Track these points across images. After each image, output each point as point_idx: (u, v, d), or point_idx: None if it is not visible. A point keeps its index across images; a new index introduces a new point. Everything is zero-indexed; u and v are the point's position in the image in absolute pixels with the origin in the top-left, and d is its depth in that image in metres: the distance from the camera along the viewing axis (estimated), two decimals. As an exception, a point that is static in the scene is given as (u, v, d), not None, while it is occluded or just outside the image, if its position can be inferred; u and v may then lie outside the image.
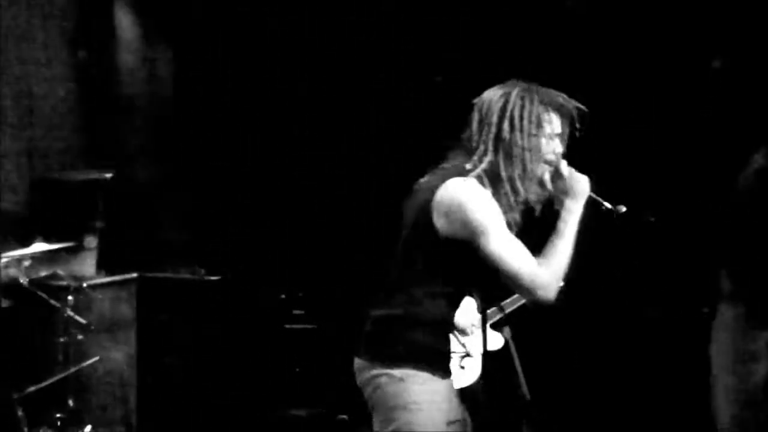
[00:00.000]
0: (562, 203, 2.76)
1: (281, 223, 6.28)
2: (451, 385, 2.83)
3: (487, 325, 4.68)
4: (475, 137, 2.72)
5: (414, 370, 2.67)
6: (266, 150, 6.28)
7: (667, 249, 5.13)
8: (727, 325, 2.76)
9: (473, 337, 4.70)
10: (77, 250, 5.23)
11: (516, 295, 4.81)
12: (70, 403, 4.66)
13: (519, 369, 4.89)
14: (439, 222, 2.63)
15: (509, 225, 2.69)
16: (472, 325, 4.65)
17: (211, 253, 5.80)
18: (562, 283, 2.70)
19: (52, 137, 5.58)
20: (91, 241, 5.36)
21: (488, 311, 4.77)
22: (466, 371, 4.64)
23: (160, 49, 6.27)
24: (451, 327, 2.92)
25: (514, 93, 2.70)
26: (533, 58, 5.62)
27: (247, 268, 6.02)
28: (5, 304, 4.50)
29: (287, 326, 5.86)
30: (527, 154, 2.67)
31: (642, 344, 5.45)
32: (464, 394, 4.54)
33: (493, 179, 2.68)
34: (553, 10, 5.57)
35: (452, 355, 4.51)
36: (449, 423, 2.74)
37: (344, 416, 5.39)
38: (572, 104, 2.75)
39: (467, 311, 4.68)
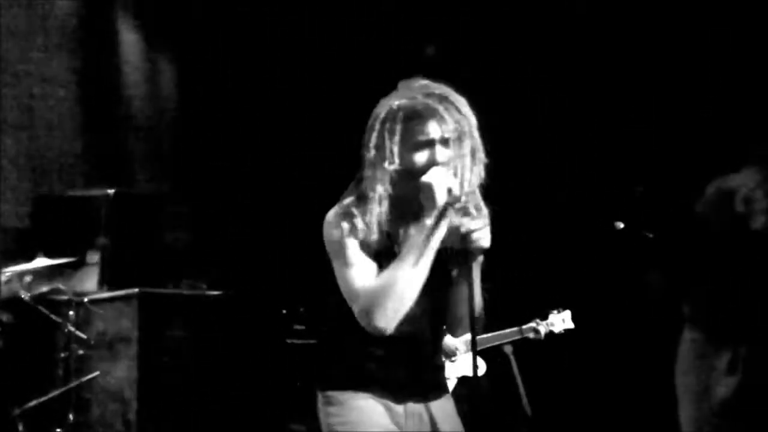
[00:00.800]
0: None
1: (284, 238, 6.30)
2: (392, 403, 2.62)
3: (475, 349, 4.72)
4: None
5: (335, 392, 2.60)
6: (271, 161, 6.30)
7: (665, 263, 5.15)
8: (688, 347, 2.80)
9: (457, 361, 4.72)
10: (79, 265, 5.25)
11: (531, 324, 4.86)
12: (71, 417, 4.69)
13: (521, 385, 4.91)
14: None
15: (384, 246, 2.53)
16: (457, 349, 4.67)
17: (214, 267, 5.82)
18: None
19: (52, 137, 5.59)
20: (93, 257, 5.38)
21: (506, 331, 4.84)
22: None
23: (162, 55, 6.29)
24: (383, 345, 2.60)
25: (381, 108, 2.57)
26: (531, 58, 5.67)
27: (249, 283, 6.05)
28: (6, 318, 4.53)
29: (289, 341, 5.88)
30: (377, 171, 2.51)
31: (644, 356, 5.46)
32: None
33: (362, 199, 2.56)
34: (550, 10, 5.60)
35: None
36: None
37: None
38: (444, 104, 2.51)
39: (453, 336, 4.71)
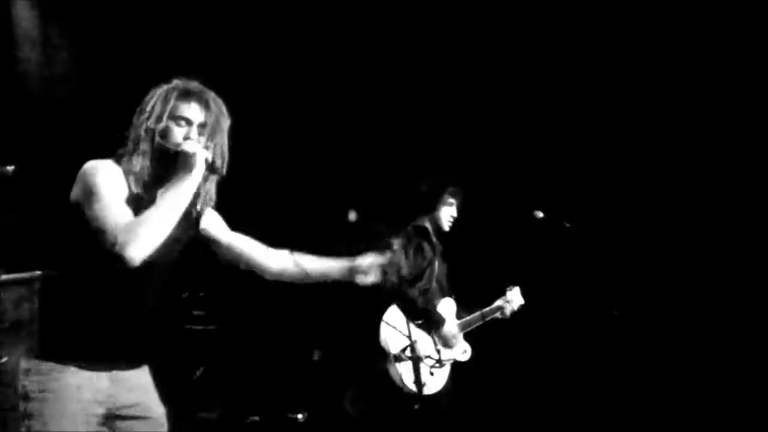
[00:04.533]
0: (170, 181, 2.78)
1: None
2: (101, 376, 2.76)
3: (461, 333, 4.75)
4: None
5: (38, 361, 2.70)
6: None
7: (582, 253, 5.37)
8: None
9: (453, 348, 4.71)
10: (-27, 247, 4.94)
11: (494, 305, 4.89)
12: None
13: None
14: (73, 191, 2.74)
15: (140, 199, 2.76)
16: (454, 337, 4.66)
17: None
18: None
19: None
20: (-14, 238, 5.07)
21: (469, 317, 4.86)
22: (434, 379, 4.63)
23: (57, 27, 6.00)
24: (106, 314, 2.76)
25: (159, 88, 2.89)
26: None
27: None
28: None
29: (188, 327, 5.75)
30: (142, 130, 2.82)
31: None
32: (432, 401, 4.62)
33: (126, 156, 2.83)
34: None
35: (430, 359, 4.58)
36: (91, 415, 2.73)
37: (256, 417, 5.33)
38: (210, 96, 2.88)
39: (451, 321, 4.70)
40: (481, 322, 4.86)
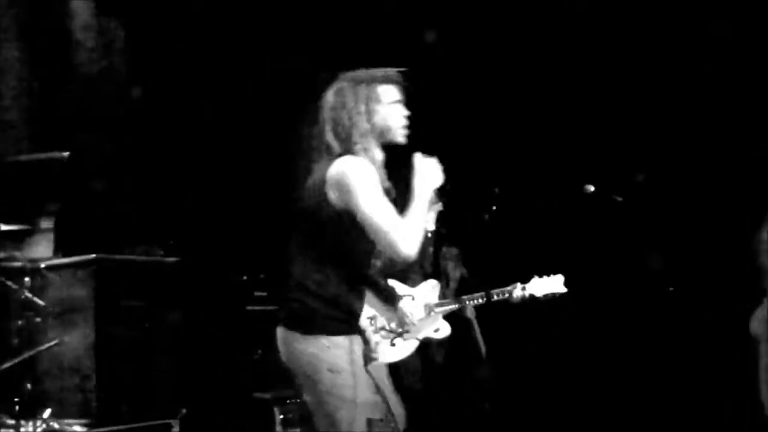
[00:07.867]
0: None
1: (242, 202, 6.19)
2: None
3: (441, 313, 4.71)
4: (328, 135, 2.89)
5: (336, 336, 2.83)
6: (225, 126, 6.18)
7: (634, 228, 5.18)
8: None
9: (418, 324, 4.70)
10: (32, 232, 5.09)
11: (508, 287, 4.78)
12: (28, 387, 4.55)
13: (483, 350, 4.85)
14: (333, 196, 2.80)
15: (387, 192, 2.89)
16: (405, 316, 4.67)
17: (171, 233, 5.69)
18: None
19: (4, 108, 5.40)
20: (46, 223, 5.23)
21: (444, 301, 4.78)
22: (396, 349, 4.64)
23: (114, 23, 6.13)
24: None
25: (345, 86, 2.90)
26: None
27: (207, 249, 5.92)
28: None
29: (249, 308, 5.78)
30: (366, 131, 2.86)
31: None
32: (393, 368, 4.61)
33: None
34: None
35: (385, 331, 4.63)
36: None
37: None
38: (393, 72, 2.94)
39: (419, 301, 4.67)
40: (455, 307, 4.68)
